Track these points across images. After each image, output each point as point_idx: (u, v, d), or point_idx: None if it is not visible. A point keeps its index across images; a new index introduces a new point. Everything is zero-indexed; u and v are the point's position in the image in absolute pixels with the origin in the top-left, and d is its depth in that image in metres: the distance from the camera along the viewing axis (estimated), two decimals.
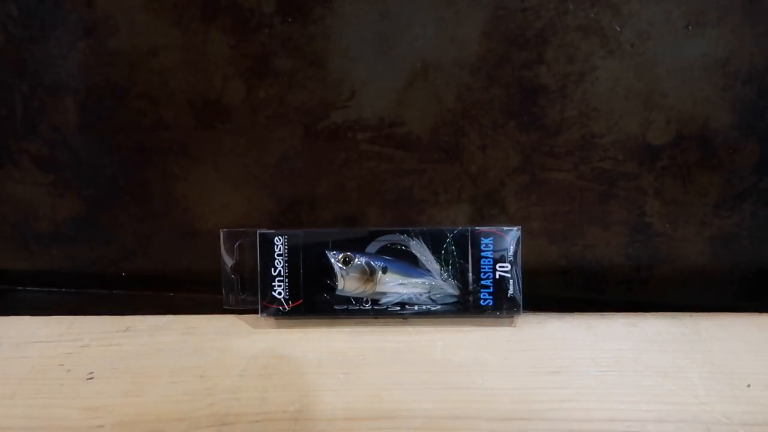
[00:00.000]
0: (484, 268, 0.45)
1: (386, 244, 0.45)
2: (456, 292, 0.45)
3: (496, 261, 0.44)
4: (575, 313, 0.47)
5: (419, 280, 0.44)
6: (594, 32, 0.42)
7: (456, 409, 0.38)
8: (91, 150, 0.47)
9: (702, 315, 0.46)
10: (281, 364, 0.42)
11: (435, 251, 0.44)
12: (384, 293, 0.44)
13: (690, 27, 0.41)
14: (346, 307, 0.45)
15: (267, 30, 0.42)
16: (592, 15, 0.41)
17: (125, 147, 0.47)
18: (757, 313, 0.47)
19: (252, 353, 0.43)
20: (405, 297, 0.45)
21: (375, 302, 0.45)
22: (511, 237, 0.44)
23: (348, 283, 0.44)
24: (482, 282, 0.45)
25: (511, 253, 0.44)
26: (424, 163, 0.47)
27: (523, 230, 0.45)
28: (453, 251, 0.44)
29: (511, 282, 0.45)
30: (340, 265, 0.43)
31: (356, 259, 0.43)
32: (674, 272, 0.50)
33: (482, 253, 0.44)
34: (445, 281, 0.45)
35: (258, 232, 0.44)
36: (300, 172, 0.47)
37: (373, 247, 0.45)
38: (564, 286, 0.51)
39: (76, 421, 0.38)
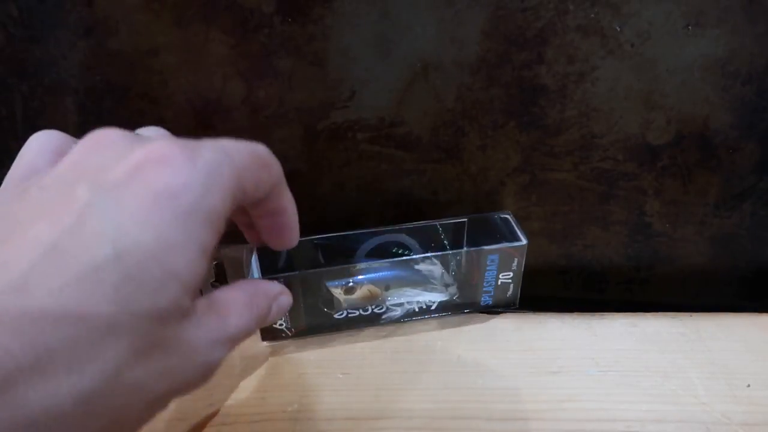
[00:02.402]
0: (488, 278, 0.44)
1: (384, 242, 0.45)
2: (456, 292, 0.45)
3: (500, 272, 0.44)
4: (575, 313, 0.47)
5: (420, 289, 0.44)
6: (594, 32, 0.42)
7: (456, 409, 0.38)
8: None
9: (702, 315, 0.46)
10: (281, 364, 0.42)
11: (434, 250, 0.44)
12: (386, 309, 0.44)
13: (690, 27, 0.41)
14: (346, 314, 0.44)
15: (267, 30, 0.42)
16: (592, 15, 0.41)
17: None
18: (757, 313, 0.47)
19: (252, 353, 0.43)
20: (408, 308, 0.44)
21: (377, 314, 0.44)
22: (519, 253, 0.43)
23: (350, 305, 0.43)
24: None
25: (515, 265, 0.44)
26: (424, 163, 0.47)
27: (522, 230, 0.44)
28: (453, 250, 0.44)
29: (511, 283, 0.45)
30: (344, 296, 0.43)
31: (359, 288, 0.43)
32: (674, 272, 0.50)
33: (488, 269, 0.44)
34: (445, 282, 0.44)
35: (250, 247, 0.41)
36: (300, 172, 0.47)
37: (369, 245, 0.44)
38: (564, 286, 0.51)
39: None
